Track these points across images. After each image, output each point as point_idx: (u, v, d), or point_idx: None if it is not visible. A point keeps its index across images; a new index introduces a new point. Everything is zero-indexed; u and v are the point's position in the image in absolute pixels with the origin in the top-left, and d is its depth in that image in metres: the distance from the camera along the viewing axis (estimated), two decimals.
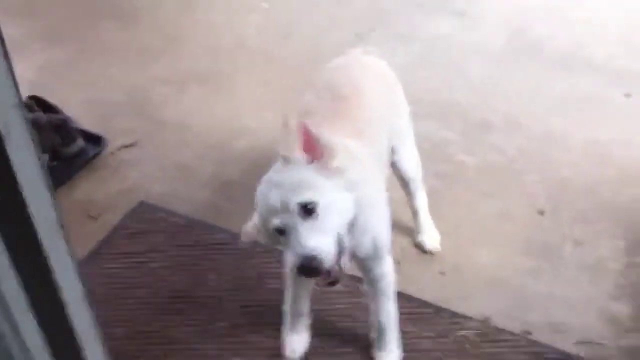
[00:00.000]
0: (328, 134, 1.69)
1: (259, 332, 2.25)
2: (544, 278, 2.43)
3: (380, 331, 2.09)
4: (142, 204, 2.74)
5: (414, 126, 2.36)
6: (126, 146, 3.03)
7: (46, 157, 2.82)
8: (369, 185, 1.84)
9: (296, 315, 2.13)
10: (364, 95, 2.05)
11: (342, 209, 1.65)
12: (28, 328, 1.02)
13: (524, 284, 2.41)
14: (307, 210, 1.58)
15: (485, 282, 2.41)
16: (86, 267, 2.44)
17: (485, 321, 2.27)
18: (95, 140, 3.00)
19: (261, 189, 1.68)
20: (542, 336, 2.23)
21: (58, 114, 2.98)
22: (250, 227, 1.77)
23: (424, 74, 3.34)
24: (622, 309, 2.32)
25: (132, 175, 2.89)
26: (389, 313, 2.05)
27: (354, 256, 1.82)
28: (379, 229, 1.88)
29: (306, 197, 1.58)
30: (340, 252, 1.63)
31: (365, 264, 1.94)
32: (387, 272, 1.98)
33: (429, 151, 2.75)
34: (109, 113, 3.23)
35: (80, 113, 3.17)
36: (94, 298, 2.43)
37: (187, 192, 2.81)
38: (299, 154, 1.62)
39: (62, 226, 0.99)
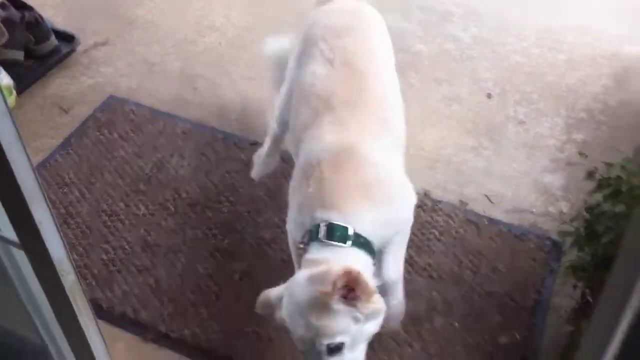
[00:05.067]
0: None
1: (215, 208, 2.43)
2: (484, 155, 2.58)
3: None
4: (111, 98, 2.89)
5: None
6: (98, 44, 3.15)
7: (21, 53, 2.96)
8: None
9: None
10: (379, 67, 1.97)
11: (366, 335, 1.60)
12: None
13: (465, 160, 2.56)
14: (334, 349, 1.54)
15: (428, 159, 2.57)
16: (58, 154, 2.63)
17: (425, 194, 2.44)
18: (68, 39, 3.12)
19: (288, 307, 1.59)
20: (477, 206, 2.41)
21: (32, 12, 3.08)
22: (272, 296, 1.66)
23: None
24: (554, 181, 2.48)
25: (102, 72, 3.03)
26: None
27: None
28: (404, 224, 1.87)
29: (336, 340, 1.53)
30: None
31: None
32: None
33: None
34: (82, 13, 3.34)
35: (54, 12, 3.29)
36: (63, 182, 2.64)
37: (154, 86, 2.95)
38: (335, 293, 1.50)
39: None
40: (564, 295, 2.09)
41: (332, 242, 1.63)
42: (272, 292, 1.66)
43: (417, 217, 2.35)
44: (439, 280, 2.18)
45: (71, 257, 1.46)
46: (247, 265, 2.25)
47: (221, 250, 2.29)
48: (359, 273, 1.50)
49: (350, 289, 1.51)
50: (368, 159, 1.74)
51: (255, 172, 2.41)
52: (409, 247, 2.26)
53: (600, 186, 1.77)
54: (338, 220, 1.64)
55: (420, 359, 1.99)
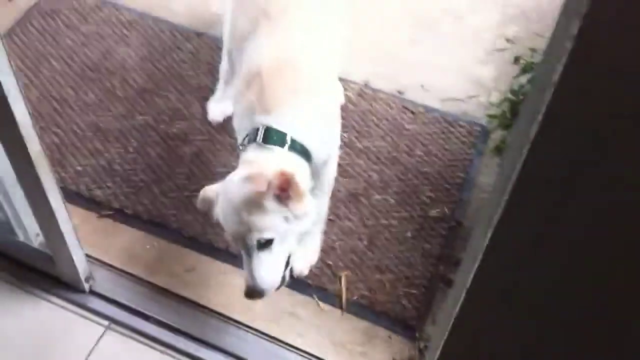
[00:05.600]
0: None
1: (164, 96, 2.51)
2: (422, 48, 2.71)
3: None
4: None
5: None
6: None
7: None
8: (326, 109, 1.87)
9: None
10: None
11: (297, 234, 1.70)
12: None
13: (403, 53, 2.69)
14: (264, 244, 1.64)
15: (368, 51, 2.69)
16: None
17: (365, 84, 2.57)
18: None
19: (222, 204, 1.67)
20: (412, 95, 2.56)
21: None
22: (210, 193, 1.74)
23: None
24: (486, 72, 2.64)
25: None
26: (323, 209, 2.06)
27: None
28: (333, 142, 1.95)
29: (265, 235, 1.62)
30: (285, 268, 1.71)
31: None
32: (331, 171, 2.01)
33: None
34: None
35: None
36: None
37: None
38: (268, 192, 1.59)
39: None
40: (490, 173, 2.29)
41: (269, 145, 1.70)
42: (210, 189, 1.74)
43: (357, 104, 2.51)
44: (377, 162, 2.35)
45: (36, 128, 1.56)
46: (196, 148, 2.37)
47: (171, 135, 2.40)
48: (292, 175, 1.59)
49: (283, 189, 1.60)
50: (304, 66, 1.80)
51: (211, 116, 2.43)
52: (350, 131, 2.42)
53: (524, 70, 1.93)
54: (276, 125, 1.71)
55: (358, 230, 2.18)
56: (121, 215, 2.20)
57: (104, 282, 2.00)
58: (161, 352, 1.92)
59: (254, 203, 1.60)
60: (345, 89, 2.53)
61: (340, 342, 1.93)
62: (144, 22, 2.76)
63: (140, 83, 2.55)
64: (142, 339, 1.93)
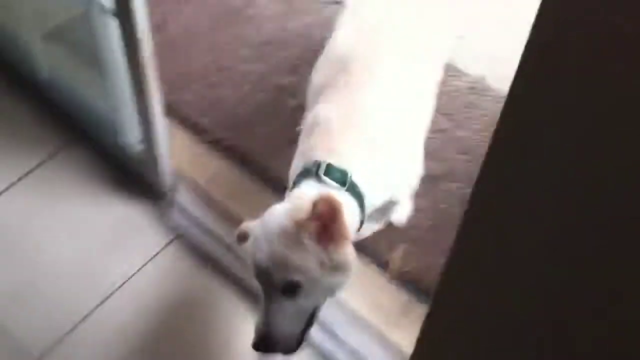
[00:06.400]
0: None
1: (286, 49, 2.67)
2: None
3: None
4: None
5: None
6: None
7: None
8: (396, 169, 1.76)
9: None
10: (420, 49, 1.85)
11: (327, 290, 1.51)
12: None
13: None
14: (289, 289, 1.45)
15: (494, 51, 2.70)
16: None
17: (479, 78, 2.59)
18: None
19: (256, 236, 1.50)
20: None
21: None
22: (247, 227, 1.56)
23: None
24: None
25: None
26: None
27: None
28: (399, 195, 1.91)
29: (294, 276, 1.44)
30: (305, 330, 1.53)
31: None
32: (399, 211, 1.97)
33: None
34: None
35: None
36: None
37: None
38: (309, 235, 1.43)
39: None
40: None
41: (328, 180, 1.55)
42: (249, 223, 1.57)
43: (465, 95, 2.54)
44: (465, 153, 2.37)
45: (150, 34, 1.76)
46: (299, 102, 2.50)
47: (281, 86, 2.55)
48: (341, 205, 1.42)
49: (326, 226, 1.42)
50: (380, 122, 1.68)
51: None
52: (449, 117, 2.45)
53: None
54: (338, 164, 1.58)
55: (427, 210, 2.22)
56: (218, 146, 2.38)
57: (184, 196, 2.19)
58: (215, 275, 2.07)
59: (290, 236, 1.43)
60: (458, 77, 2.57)
61: (379, 305, 2.00)
62: None
63: (270, 34, 2.72)
64: (201, 259, 2.09)
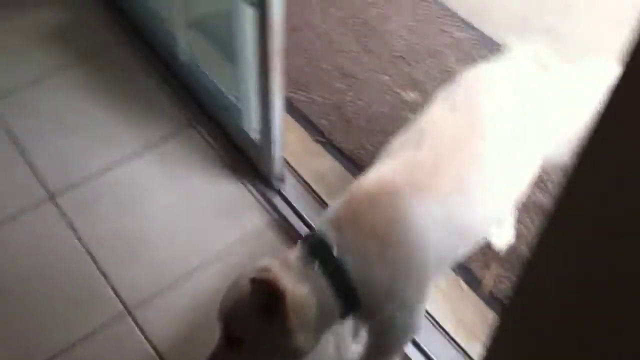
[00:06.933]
0: None
1: (414, 66, 2.72)
2: None
3: None
4: None
5: None
6: None
7: None
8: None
9: None
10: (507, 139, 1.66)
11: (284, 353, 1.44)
12: None
13: None
14: (232, 341, 1.45)
15: None
16: None
17: None
18: None
19: (229, 288, 1.49)
20: None
21: None
22: (269, 267, 1.44)
23: None
24: None
25: None
26: None
27: None
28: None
29: (235, 333, 1.44)
30: None
31: None
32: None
33: None
34: None
35: None
36: None
37: None
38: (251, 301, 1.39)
39: None
40: None
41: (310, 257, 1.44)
42: (272, 262, 1.48)
43: None
44: None
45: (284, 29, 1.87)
46: None
47: (402, 100, 2.60)
48: (277, 280, 1.34)
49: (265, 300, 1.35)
50: (403, 215, 1.49)
51: None
52: None
53: None
54: (331, 242, 1.45)
55: (528, 237, 2.18)
56: (329, 146, 2.46)
57: (290, 187, 2.29)
58: None
59: (243, 293, 1.40)
60: None
61: (464, 321, 1.98)
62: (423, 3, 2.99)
63: (401, 50, 2.79)
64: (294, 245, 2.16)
